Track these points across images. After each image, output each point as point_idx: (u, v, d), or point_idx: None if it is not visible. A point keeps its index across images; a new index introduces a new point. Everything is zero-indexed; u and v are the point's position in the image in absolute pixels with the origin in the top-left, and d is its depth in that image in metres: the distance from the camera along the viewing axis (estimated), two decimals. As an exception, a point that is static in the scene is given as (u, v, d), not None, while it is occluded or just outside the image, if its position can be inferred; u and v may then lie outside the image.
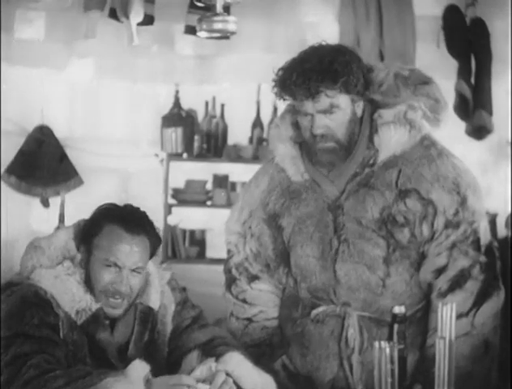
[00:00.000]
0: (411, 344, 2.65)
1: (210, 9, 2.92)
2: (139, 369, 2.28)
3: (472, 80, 5.01)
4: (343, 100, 2.60)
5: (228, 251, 2.95)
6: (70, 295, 2.44)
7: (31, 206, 5.82)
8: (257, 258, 2.86)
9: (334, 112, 2.60)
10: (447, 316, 2.20)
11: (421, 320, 2.70)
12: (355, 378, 2.68)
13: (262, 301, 2.88)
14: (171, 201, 5.94)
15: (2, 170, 5.70)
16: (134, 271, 2.47)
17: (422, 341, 2.68)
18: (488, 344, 2.63)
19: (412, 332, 2.67)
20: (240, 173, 5.80)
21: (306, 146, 2.69)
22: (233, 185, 5.95)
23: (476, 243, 2.64)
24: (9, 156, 5.67)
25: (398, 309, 2.60)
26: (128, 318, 2.52)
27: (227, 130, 5.99)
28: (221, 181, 5.99)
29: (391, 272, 2.65)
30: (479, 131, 5.04)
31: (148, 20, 4.31)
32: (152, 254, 2.56)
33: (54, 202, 5.53)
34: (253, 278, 2.88)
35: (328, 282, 2.69)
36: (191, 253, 5.96)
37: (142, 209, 2.56)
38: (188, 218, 6.02)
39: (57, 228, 4.04)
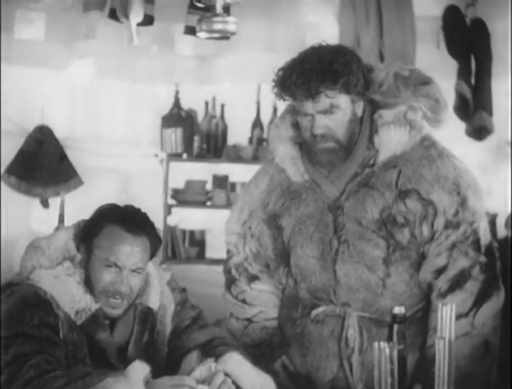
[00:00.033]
0: (411, 344, 2.65)
1: (209, 9, 2.93)
2: (139, 370, 2.28)
3: (472, 81, 5.01)
4: (343, 101, 2.60)
5: (228, 252, 2.95)
6: (70, 295, 2.44)
7: (31, 206, 5.82)
8: (257, 259, 2.86)
9: (335, 112, 2.60)
10: (447, 316, 2.20)
11: (421, 320, 2.70)
12: (355, 378, 2.68)
13: (262, 301, 2.88)
14: (171, 201, 5.94)
15: (2, 170, 5.70)
16: (134, 271, 2.47)
17: (422, 341, 2.68)
18: (488, 345, 2.63)
19: (412, 332, 2.67)
20: (240, 173, 5.80)
21: (306, 146, 2.69)
22: (233, 186, 5.95)
23: (476, 243, 2.64)
24: (9, 156, 5.68)
25: (398, 310, 2.60)
26: (128, 318, 2.52)
27: (227, 131, 5.99)
28: (221, 181, 5.99)
29: (391, 273, 2.65)
30: (479, 132, 5.04)
31: (148, 21, 4.31)
32: (153, 255, 2.56)
33: (54, 202, 5.53)
34: (252, 278, 2.88)
35: (328, 282, 2.69)
36: (191, 253, 5.96)
37: (142, 210, 2.56)
38: (188, 218, 6.02)
39: (57, 228, 4.04)
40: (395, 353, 2.14)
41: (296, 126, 2.71)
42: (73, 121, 6.00)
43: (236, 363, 2.46)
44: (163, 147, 5.92)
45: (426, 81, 2.76)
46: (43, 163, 5.78)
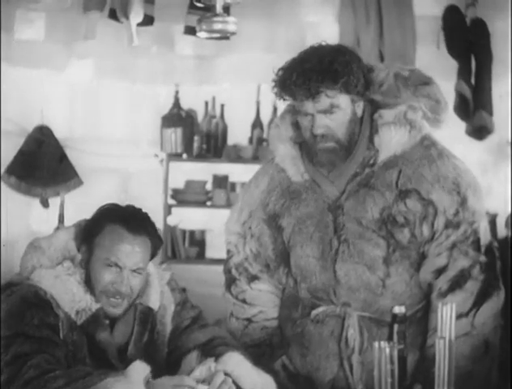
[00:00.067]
0: (411, 344, 2.65)
1: (209, 9, 2.93)
2: (140, 370, 2.28)
3: (472, 81, 5.01)
4: (343, 100, 2.60)
5: (228, 251, 2.94)
6: (70, 295, 2.44)
7: (31, 206, 5.82)
8: (257, 259, 2.85)
9: (335, 112, 2.60)
10: (447, 316, 2.20)
11: (421, 320, 2.69)
12: (355, 378, 2.68)
13: (262, 301, 2.88)
14: (171, 201, 5.94)
15: (2, 170, 5.70)
16: (134, 271, 2.47)
17: (422, 341, 2.68)
18: (488, 344, 2.63)
19: (412, 332, 2.67)
20: (240, 173, 5.80)
21: (306, 146, 2.69)
22: (233, 186, 5.95)
23: (476, 243, 2.64)
24: (9, 156, 5.67)
25: (398, 310, 2.60)
26: (128, 318, 2.52)
27: (227, 131, 5.99)
28: (221, 181, 5.99)
29: (391, 272, 2.65)
30: (479, 131, 5.05)
31: (148, 21, 4.32)
32: (153, 255, 2.56)
33: (54, 202, 5.53)
34: (252, 278, 2.88)
35: (328, 282, 2.69)
36: (191, 253, 5.96)
37: (143, 210, 2.56)
38: (188, 218, 6.02)
39: (57, 228, 4.04)
40: (395, 353, 2.14)
41: (296, 125, 2.71)
42: (73, 121, 5.99)
43: (237, 363, 2.46)
44: (163, 147, 5.92)
45: (426, 81, 2.76)
46: (43, 163, 5.78)
